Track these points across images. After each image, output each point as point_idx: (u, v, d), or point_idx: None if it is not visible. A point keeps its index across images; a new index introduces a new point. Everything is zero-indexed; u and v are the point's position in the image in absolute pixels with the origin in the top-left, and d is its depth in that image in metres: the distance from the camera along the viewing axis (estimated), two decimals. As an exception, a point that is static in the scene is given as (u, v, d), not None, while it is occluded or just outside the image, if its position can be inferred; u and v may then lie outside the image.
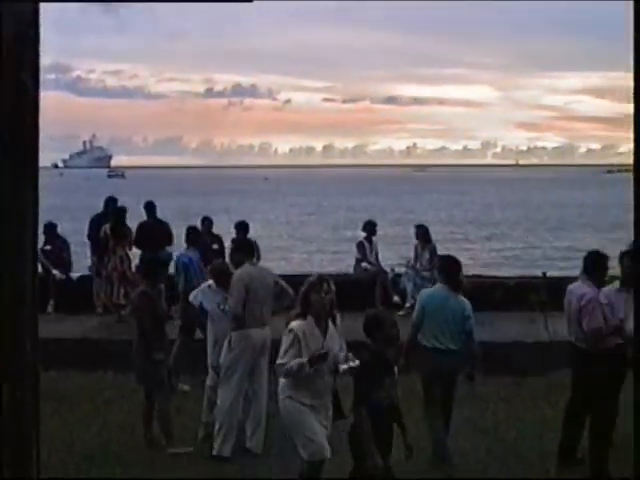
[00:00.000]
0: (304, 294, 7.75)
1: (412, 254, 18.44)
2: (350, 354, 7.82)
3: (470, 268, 27.78)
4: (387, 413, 7.21)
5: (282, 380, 7.86)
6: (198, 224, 18.34)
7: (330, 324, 7.82)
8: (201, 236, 17.51)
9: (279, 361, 7.67)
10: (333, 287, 7.81)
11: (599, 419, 9.68)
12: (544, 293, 16.24)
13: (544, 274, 18.61)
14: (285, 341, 7.67)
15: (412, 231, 18.90)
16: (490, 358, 13.85)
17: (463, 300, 10.09)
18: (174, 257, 15.01)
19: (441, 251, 17.20)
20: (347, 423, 7.76)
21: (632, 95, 4.74)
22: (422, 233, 18.34)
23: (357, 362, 7.56)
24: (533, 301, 16.57)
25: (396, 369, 7.34)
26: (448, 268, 10.39)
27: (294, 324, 7.71)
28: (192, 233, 15.00)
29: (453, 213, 70.04)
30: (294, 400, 7.75)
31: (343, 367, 7.64)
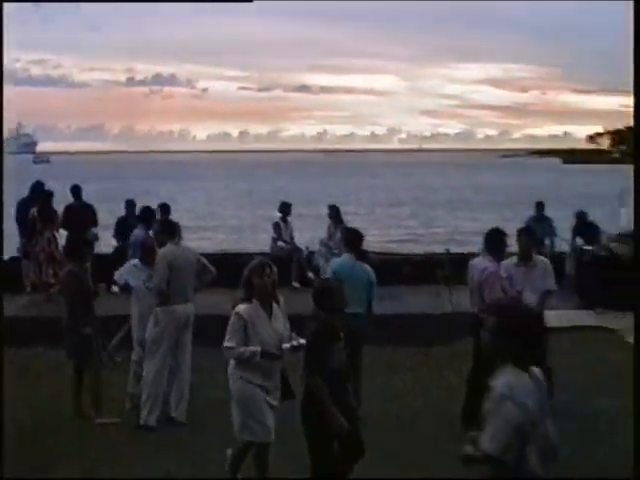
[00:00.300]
0: (247, 279, 7.64)
1: (325, 233, 18.55)
2: (294, 333, 7.82)
3: (379, 245, 27.98)
4: (339, 378, 7.18)
5: (232, 362, 7.76)
6: (122, 207, 18.29)
7: (274, 305, 7.78)
8: (128, 218, 17.44)
9: (227, 344, 7.55)
10: (275, 270, 7.76)
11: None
12: (448, 268, 16.46)
13: (447, 251, 18.88)
14: (232, 324, 7.56)
15: (325, 212, 18.99)
16: (399, 329, 14.05)
17: (368, 268, 10.50)
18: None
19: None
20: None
21: (632, 94, 4.79)
22: (334, 213, 18.48)
23: (301, 341, 7.53)
24: (438, 276, 16.79)
25: (342, 336, 7.31)
26: (352, 239, 10.81)
27: (240, 307, 7.60)
28: (143, 213, 14.97)
29: (361, 195, 70.27)
30: (246, 381, 7.64)
31: (286, 346, 7.62)
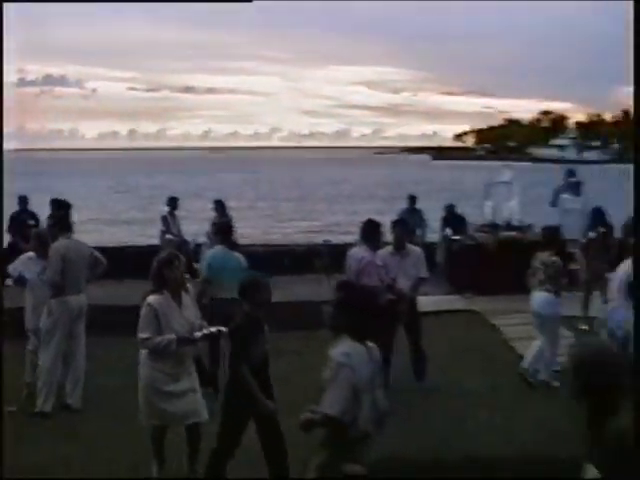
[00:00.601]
0: (157, 271, 7.51)
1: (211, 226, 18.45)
2: (204, 322, 7.76)
3: (262, 237, 28.01)
4: (262, 367, 7.19)
5: (144, 351, 7.61)
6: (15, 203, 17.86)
7: (184, 295, 7.68)
8: (21, 213, 17.04)
9: (142, 335, 7.39)
10: (184, 261, 7.70)
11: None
12: (327, 258, 16.58)
13: (326, 242, 19.02)
14: (144, 315, 7.42)
15: (211, 206, 18.90)
16: (284, 316, 14.07)
17: (239, 256, 10.76)
18: None
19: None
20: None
21: (633, 96, 4.81)
22: (219, 207, 18.39)
23: (212, 329, 7.53)
24: (318, 265, 16.90)
25: (266, 327, 7.30)
26: (223, 231, 11.09)
27: (151, 299, 7.46)
28: (54, 205, 14.77)
29: (245, 190, 70.15)
30: (157, 370, 7.52)
31: (197, 334, 7.55)
